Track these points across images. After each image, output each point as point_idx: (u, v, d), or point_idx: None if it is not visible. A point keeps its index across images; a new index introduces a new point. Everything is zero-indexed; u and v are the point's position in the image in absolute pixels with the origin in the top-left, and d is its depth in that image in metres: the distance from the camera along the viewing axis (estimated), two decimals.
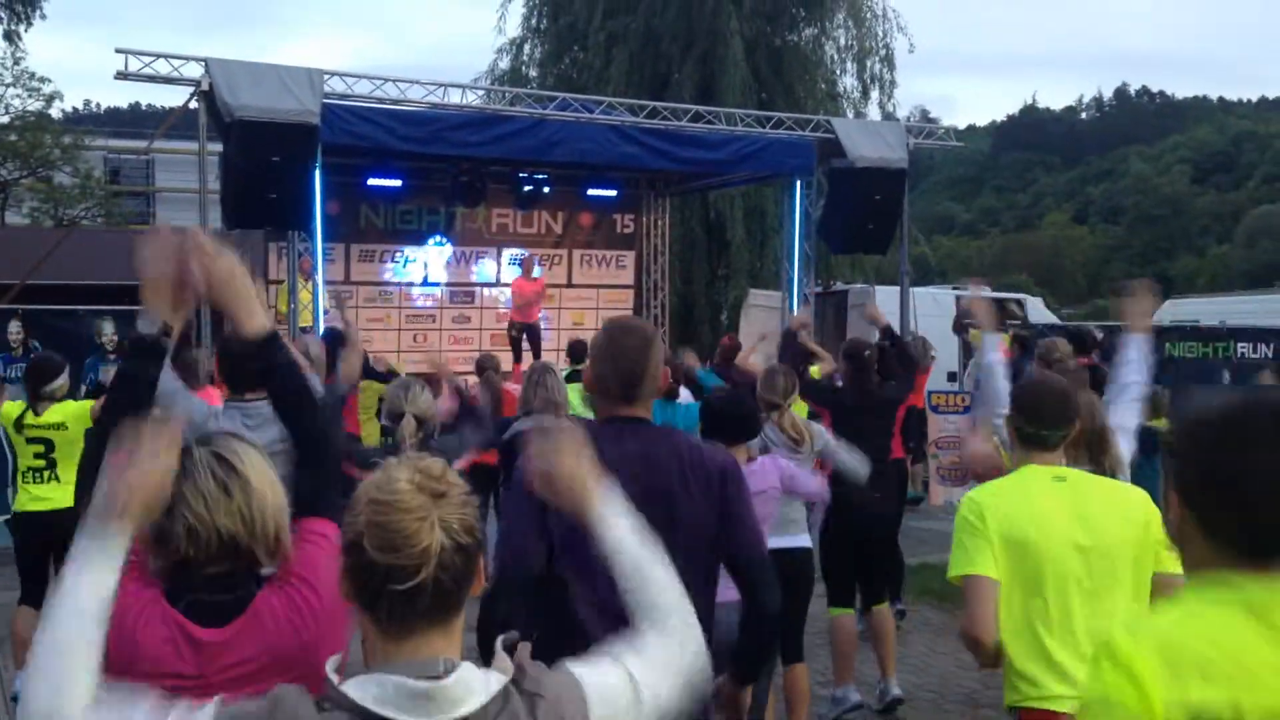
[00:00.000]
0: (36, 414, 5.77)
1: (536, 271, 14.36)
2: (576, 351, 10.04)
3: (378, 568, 1.49)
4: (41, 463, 5.72)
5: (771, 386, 5.23)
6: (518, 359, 13.59)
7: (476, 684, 1.50)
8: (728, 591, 2.83)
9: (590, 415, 10.09)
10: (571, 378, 9.37)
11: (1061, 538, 2.86)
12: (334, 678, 1.51)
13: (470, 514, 1.55)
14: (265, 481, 1.98)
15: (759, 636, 2.93)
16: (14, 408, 5.86)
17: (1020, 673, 2.87)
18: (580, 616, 2.59)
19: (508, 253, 16.30)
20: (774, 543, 4.50)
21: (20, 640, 5.72)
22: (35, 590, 5.81)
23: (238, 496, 1.92)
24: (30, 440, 5.73)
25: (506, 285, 15.39)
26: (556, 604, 2.65)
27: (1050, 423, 3.02)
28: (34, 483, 5.75)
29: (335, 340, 8.91)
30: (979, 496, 2.97)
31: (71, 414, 5.80)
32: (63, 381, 5.83)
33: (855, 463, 5.34)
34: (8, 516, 6.08)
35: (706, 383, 7.69)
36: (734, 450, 4.31)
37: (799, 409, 7.78)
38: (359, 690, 1.47)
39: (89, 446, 4.47)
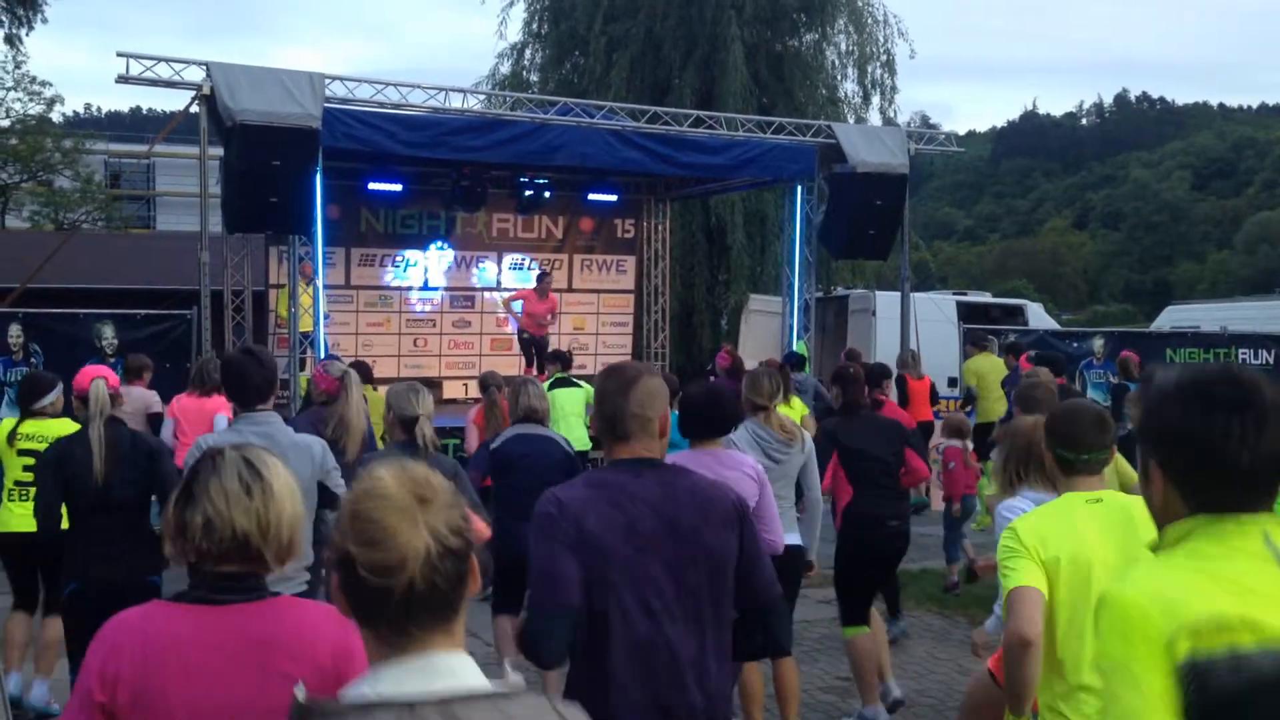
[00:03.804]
0: (27, 429, 5.82)
1: (549, 290, 14.19)
2: (560, 361, 10.22)
3: (363, 570, 1.47)
4: (29, 476, 5.71)
5: (756, 389, 5.23)
6: (530, 362, 13.60)
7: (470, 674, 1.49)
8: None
9: (582, 421, 10.16)
10: (554, 385, 9.42)
11: (1099, 560, 2.82)
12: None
13: (457, 516, 1.54)
14: (287, 491, 2.08)
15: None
16: (8, 423, 5.94)
17: (1072, 686, 2.80)
18: (611, 662, 2.53)
19: (508, 258, 16.31)
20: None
21: (13, 642, 5.83)
22: (28, 599, 5.90)
23: (257, 499, 2.03)
24: (21, 453, 5.78)
25: (507, 290, 15.36)
26: (586, 642, 2.56)
27: (1089, 447, 3.00)
28: (19, 500, 5.79)
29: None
30: (1019, 525, 2.94)
31: (62, 429, 5.79)
32: (55, 397, 5.85)
33: (816, 492, 5.37)
34: None
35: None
36: (708, 445, 4.29)
37: (793, 413, 7.81)
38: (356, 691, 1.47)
39: (47, 482, 4.53)
